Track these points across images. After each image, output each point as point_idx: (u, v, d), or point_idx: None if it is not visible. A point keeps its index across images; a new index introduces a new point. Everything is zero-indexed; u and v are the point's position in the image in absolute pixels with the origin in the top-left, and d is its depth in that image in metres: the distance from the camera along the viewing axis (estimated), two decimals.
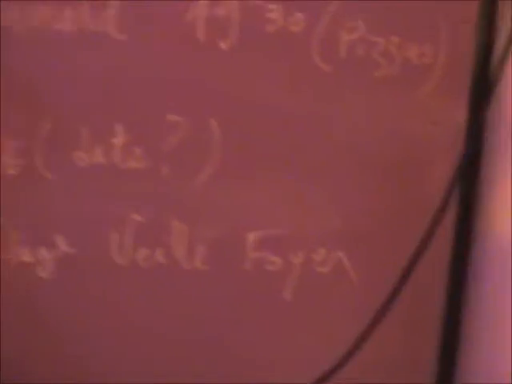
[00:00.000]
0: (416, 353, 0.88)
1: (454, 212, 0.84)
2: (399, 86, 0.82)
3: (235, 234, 0.80)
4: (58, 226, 0.75)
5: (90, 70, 0.73)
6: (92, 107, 0.74)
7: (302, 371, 0.81)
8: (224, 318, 0.82)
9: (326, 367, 0.79)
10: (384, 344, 0.84)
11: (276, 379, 0.82)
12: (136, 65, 0.75)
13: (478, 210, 0.86)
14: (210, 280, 0.80)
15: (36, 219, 0.75)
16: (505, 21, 0.83)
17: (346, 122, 0.82)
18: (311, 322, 0.84)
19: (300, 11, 0.77)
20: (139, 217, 0.77)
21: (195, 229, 0.79)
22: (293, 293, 0.83)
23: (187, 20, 0.74)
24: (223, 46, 0.76)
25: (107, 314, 0.79)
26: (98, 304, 0.79)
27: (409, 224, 0.83)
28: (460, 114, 0.83)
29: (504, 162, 0.83)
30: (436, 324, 0.87)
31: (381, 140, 0.83)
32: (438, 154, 0.84)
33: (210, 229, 0.79)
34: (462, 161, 0.82)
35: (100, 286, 0.78)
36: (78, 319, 0.79)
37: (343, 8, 0.79)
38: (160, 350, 0.81)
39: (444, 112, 0.84)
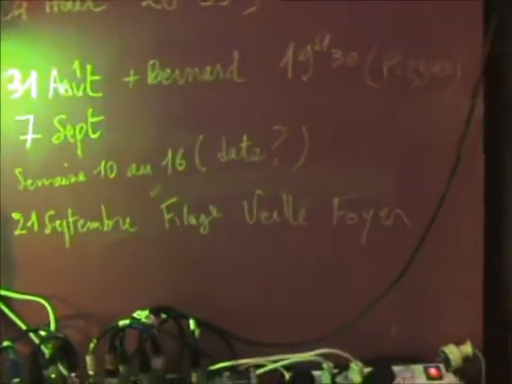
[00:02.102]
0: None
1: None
2: (429, 93, 1.06)
3: (325, 200, 1.08)
4: (211, 200, 1.07)
5: (224, 103, 1.06)
6: (227, 124, 1.06)
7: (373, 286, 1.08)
8: (319, 257, 1.09)
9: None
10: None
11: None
12: (252, 97, 1.05)
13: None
14: (310, 232, 1.09)
15: (196, 197, 1.07)
16: None
17: (392, 121, 1.07)
18: (380, 260, 1.09)
19: (354, 51, 1.05)
20: (261, 191, 1.07)
21: (298, 198, 1.07)
22: (366, 239, 1.09)
23: (281, 65, 1.05)
24: (304, 78, 1.05)
25: (241, 256, 1.09)
26: (236, 249, 1.09)
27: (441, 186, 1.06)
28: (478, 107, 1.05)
29: None
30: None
31: (420, 130, 1.07)
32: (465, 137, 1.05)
33: (308, 197, 1.08)
34: None
35: (237, 238, 1.09)
36: (222, 261, 1.09)
37: (383, 44, 1.04)
38: (272, 279, 1.10)
39: (464, 107, 1.06)
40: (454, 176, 1.07)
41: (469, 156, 1.07)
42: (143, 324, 1.02)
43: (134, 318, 1.03)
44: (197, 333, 1.03)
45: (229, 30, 1.05)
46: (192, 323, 1.03)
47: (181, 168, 1.07)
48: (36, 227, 1.09)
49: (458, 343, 1.11)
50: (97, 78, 1.06)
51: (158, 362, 1.03)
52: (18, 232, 1.09)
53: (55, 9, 1.04)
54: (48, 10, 1.04)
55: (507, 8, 1.05)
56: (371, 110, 1.07)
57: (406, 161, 1.09)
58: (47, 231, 1.09)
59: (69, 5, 1.04)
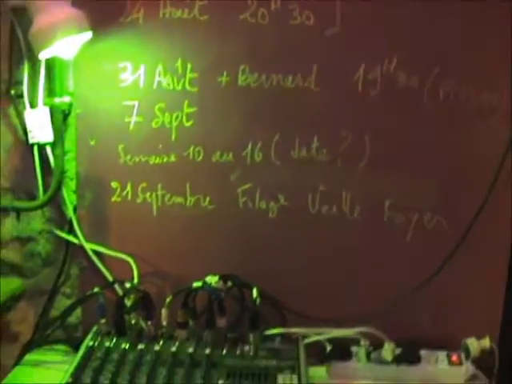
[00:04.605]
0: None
1: None
2: (476, 118, 1.12)
3: (378, 200, 1.14)
4: (281, 190, 1.15)
5: (301, 108, 1.12)
6: (301, 126, 1.12)
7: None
8: (369, 248, 1.16)
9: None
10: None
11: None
12: (325, 105, 1.12)
13: None
14: (363, 226, 1.15)
15: (268, 185, 1.15)
16: None
17: (442, 138, 1.12)
18: (420, 257, 1.16)
19: (415, 75, 1.10)
20: (324, 187, 1.14)
21: (355, 196, 1.14)
22: (411, 238, 1.15)
23: (353, 80, 1.12)
24: (372, 94, 1.11)
25: (302, 240, 1.17)
26: (298, 234, 1.16)
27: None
28: None
29: None
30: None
31: (465, 150, 1.12)
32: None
33: (363, 196, 1.14)
34: None
35: (299, 225, 1.16)
36: (285, 242, 1.17)
37: (441, 71, 1.09)
38: (326, 262, 1.17)
39: (505, 134, 1.11)
40: (491, 193, 1.13)
41: (505, 177, 1.13)
42: (213, 287, 1.10)
43: (206, 282, 1.11)
44: (258, 301, 1.11)
45: (311, 46, 1.12)
46: (255, 291, 1.12)
47: (258, 159, 1.15)
48: (130, 196, 1.18)
49: (479, 337, 1.17)
50: (195, 75, 1.14)
51: (221, 322, 1.11)
52: (114, 199, 1.19)
53: (167, 15, 1.12)
54: (161, 15, 1.12)
55: None
56: (425, 128, 1.13)
57: (450, 174, 1.14)
58: (139, 200, 1.18)
59: (178, 13, 1.12)
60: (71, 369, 1.03)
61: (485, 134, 1.13)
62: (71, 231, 1.21)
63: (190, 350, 1.07)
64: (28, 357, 1.20)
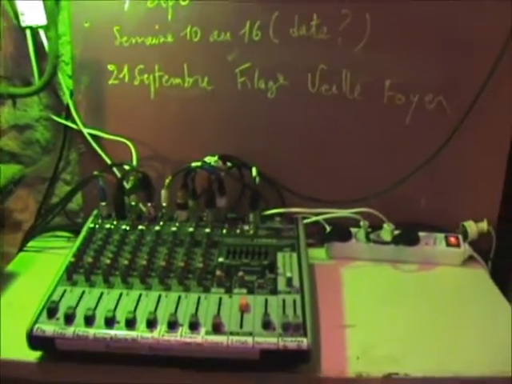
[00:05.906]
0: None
1: None
2: None
3: (378, 80, 1.09)
4: (280, 69, 1.09)
5: None
6: (301, 4, 1.06)
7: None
8: (368, 128, 1.12)
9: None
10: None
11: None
12: None
13: None
14: (362, 106, 1.11)
15: (266, 65, 1.10)
16: None
17: (446, 15, 1.05)
18: (419, 139, 1.12)
19: None
20: (324, 66, 1.09)
21: (355, 75, 1.09)
22: (410, 119, 1.11)
23: None
24: None
25: (301, 120, 1.12)
26: (297, 114, 1.12)
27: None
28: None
29: None
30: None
31: (469, 27, 1.05)
32: None
33: (364, 75, 1.09)
34: None
35: (299, 105, 1.12)
36: (283, 122, 1.14)
37: None
38: (325, 143, 1.13)
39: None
40: (493, 73, 1.07)
41: (510, 56, 1.07)
42: (212, 167, 1.08)
43: (205, 162, 1.08)
44: (257, 180, 1.09)
45: None
46: (254, 170, 1.09)
47: (256, 38, 1.09)
48: (127, 78, 1.14)
49: (476, 220, 1.16)
50: None
51: (221, 202, 1.09)
52: (111, 82, 1.14)
53: None
54: None
55: None
56: (427, 4, 1.06)
57: (453, 54, 1.08)
58: (136, 83, 1.14)
59: None
60: (73, 249, 1.01)
61: (490, 12, 1.06)
62: (69, 117, 1.17)
63: (190, 229, 1.05)
64: (31, 243, 1.19)
